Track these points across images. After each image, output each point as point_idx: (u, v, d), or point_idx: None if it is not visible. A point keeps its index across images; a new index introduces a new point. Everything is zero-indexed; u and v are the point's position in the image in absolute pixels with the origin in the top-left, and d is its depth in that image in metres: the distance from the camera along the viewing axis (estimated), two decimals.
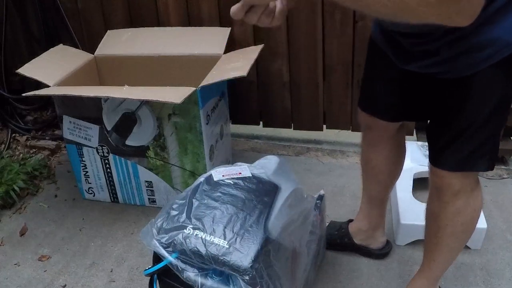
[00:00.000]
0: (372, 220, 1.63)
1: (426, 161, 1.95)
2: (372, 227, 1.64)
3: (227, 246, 1.03)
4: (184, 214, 1.11)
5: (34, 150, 2.45)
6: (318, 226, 1.47)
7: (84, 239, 1.87)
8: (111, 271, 1.71)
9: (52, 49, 2.04)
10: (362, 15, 2.02)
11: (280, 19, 0.91)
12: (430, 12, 0.73)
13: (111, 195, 2.05)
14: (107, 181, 2.01)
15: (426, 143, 2.08)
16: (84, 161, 1.98)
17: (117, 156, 1.92)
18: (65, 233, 1.91)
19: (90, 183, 2.04)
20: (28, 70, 1.83)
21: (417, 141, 2.17)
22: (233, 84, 2.13)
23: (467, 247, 1.68)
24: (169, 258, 1.05)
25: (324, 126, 2.34)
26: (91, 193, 2.07)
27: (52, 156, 2.41)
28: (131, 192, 2.00)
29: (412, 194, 1.83)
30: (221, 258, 1.01)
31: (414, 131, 2.24)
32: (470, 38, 0.95)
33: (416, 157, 1.99)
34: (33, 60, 1.90)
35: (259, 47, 1.87)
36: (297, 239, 1.27)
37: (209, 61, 1.87)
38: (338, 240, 1.69)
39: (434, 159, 1.21)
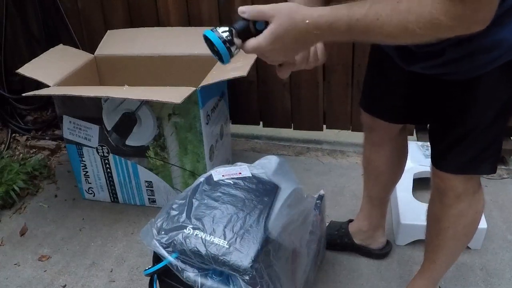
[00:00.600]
0: (372, 220, 1.63)
1: (426, 161, 1.96)
2: (372, 228, 1.64)
3: (227, 246, 1.03)
4: (184, 214, 1.11)
5: (34, 150, 2.45)
6: (318, 226, 1.47)
7: (84, 239, 1.87)
8: (111, 271, 1.71)
9: (52, 49, 2.04)
10: None
11: (324, 58, 0.99)
12: (451, 32, 0.74)
13: (111, 195, 2.05)
14: (107, 181, 2.01)
15: (426, 143, 2.10)
16: (84, 161, 1.98)
17: (117, 156, 1.92)
18: (65, 233, 1.91)
19: (90, 183, 2.04)
20: (28, 70, 1.83)
21: (417, 141, 2.16)
22: (233, 84, 2.13)
23: (467, 247, 1.67)
24: (169, 258, 1.05)
25: (324, 126, 2.34)
26: (91, 193, 2.07)
27: (52, 156, 2.41)
28: (131, 192, 2.00)
29: (412, 194, 1.83)
30: (221, 258, 1.01)
31: (414, 131, 2.24)
32: (477, 40, 0.93)
33: (416, 157, 1.99)
34: (33, 60, 1.90)
35: None
36: (297, 239, 1.27)
37: (209, 61, 1.87)
38: (338, 240, 1.69)
39: (437, 161, 1.20)
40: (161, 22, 2.27)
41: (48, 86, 1.80)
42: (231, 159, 2.23)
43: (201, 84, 1.67)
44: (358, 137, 2.12)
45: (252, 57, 1.75)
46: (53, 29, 2.38)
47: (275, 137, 2.48)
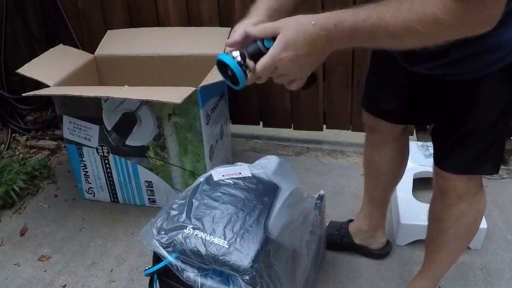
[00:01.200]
0: (373, 220, 1.63)
1: (426, 161, 1.96)
2: (372, 228, 1.64)
3: (227, 246, 1.03)
4: (184, 214, 1.10)
5: (34, 150, 2.45)
6: (318, 226, 1.47)
7: (84, 239, 1.87)
8: (111, 271, 1.71)
9: (52, 49, 2.04)
10: None
11: None
12: (455, 32, 0.75)
13: (111, 195, 2.05)
14: (107, 181, 2.01)
15: (426, 143, 2.10)
16: (84, 161, 1.98)
17: (117, 156, 1.92)
18: (65, 233, 1.91)
19: (90, 183, 2.04)
20: (28, 70, 1.83)
21: (417, 141, 2.16)
22: None
23: (467, 247, 1.67)
24: (169, 258, 1.05)
25: (324, 126, 2.34)
26: (91, 193, 2.07)
27: (52, 156, 2.41)
28: (131, 192, 2.00)
29: (412, 194, 1.83)
30: (221, 258, 1.01)
31: (414, 131, 2.24)
32: (482, 40, 0.91)
33: (416, 157, 1.99)
34: (33, 60, 1.90)
35: None
36: (297, 239, 1.27)
37: (209, 61, 1.87)
38: (338, 240, 1.69)
39: (440, 161, 1.19)
40: (161, 22, 2.27)
41: (48, 86, 1.80)
42: (231, 159, 2.23)
43: (201, 84, 1.67)
44: (358, 137, 2.12)
45: None
46: (53, 29, 2.38)
47: (275, 137, 2.48)
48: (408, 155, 1.51)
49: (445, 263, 1.39)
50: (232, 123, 2.34)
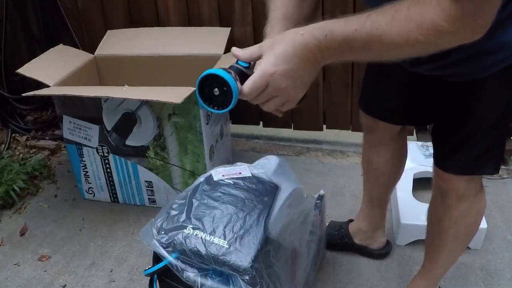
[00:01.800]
0: (372, 220, 1.63)
1: (426, 161, 1.96)
2: (372, 228, 1.64)
3: (227, 246, 1.03)
4: (184, 214, 1.10)
5: (34, 150, 2.45)
6: (318, 226, 1.47)
7: (84, 239, 1.87)
8: (111, 271, 1.71)
9: (52, 49, 2.04)
10: None
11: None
12: (453, 40, 0.73)
13: (111, 195, 2.05)
14: (107, 181, 2.01)
15: (426, 143, 2.10)
16: (84, 161, 1.98)
17: (117, 156, 1.92)
18: (65, 233, 1.91)
19: (90, 183, 2.04)
20: (28, 70, 1.83)
21: (417, 141, 2.16)
22: None
23: (467, 247, 1.67)
24: (169, 258, 1.05)
25: (324, 126, 2.34)
26: (91, 193, 2.07)
27: (52, 156, 2.41)
28: (131, 192, 2.00)
29: (412, 194, 1.83)
30: (221, 258, 1.01)
31: (414, 131, 2.24)
32: (483, 41, 0.91)
33: (416, 157, 1.99)
34: (33, 60, 1.90)
35: None
36: (297, 239, 1.27)
37: (209, 61, 1.87)
38: (338, 240, 1.69)
39: (440, 162, 1.19)
40: (161, 22, 2.27)
41: (48, 86, 1.80)
42: (231, 159, 2.23)
43: None
44: (358, 137, 2.11)
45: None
46: (53, 29, 2.38)
47: (275, 137, 2.48)
48: (406, 155, 1.50)
49: (445, 263, 1.39)
50: (232, 123, 2.34)
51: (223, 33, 2.03)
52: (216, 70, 0.78)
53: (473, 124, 1.09)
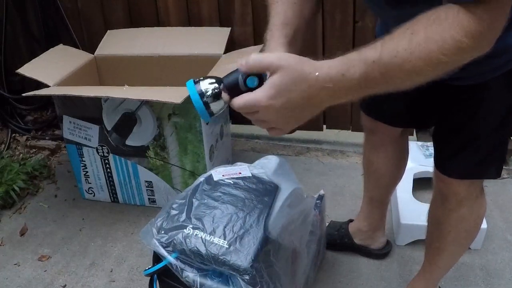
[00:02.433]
0: (372, 221, 1.63)
1: (426, 161, 1.96)
2: (372, 228, 1.64)
3: (227, 246, 1.03)
4: (184, 214, 1.11)
5: (34, 150, 2.45)
6: (318, 226, 1.47)
7: (84, 239, 1.87)
8: (111, 271, 1.71)
9: (52, 49, 2.04)
10: (362, 15, 2.02)
11: None
12: (473, 54, 0.70)
13: (111, 195, 2.05)
14: (107, 181, 2.00)
15: (426, 143, 2.10)
16: (84, 161, 1.98)
17: (117, 156, 1.92)
18: (65, 233, 1.91)
19: (90, 183, 2.04)
20: (28, 70, 1.83)
21: (417, 141, 2.16)
22: None
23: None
24: (169, 258, 1.05)
25: (324, 126, 2.34)
26: (91, 193, 2.07)
27: (52, 156, 2.41)
28: (131, 192, 2.00)
29: (412, 194, 1.83)
30: (221, 257, 1.01)
31: (414, 131, 2.24)
32: None
33: (416, 157, 1.99)
34: (33, 60, 1.90)
35: (259, 47, 1.88)
36: (297, 239, 1.27)
37: (209, 61, 1.87)
38: (338, 240, 1.69)
39: (442, 166, 1.18)
40: (161, 22, 2.27)
41: (48, 86, 1.80)
42: (231, 159, 2.23)
43: None
44: (358, 137, 2.11)
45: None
46: (53, 29, 2.38)
47: (275, 137, 2.48)
48: (407, 156, 1.50)
49: (445, 265, 1.39)
50: (232, 123, 2.34)
51: (223, 33, 2.03)
52: (188, 83, 0.77)
53: (476, 128, 1.09)
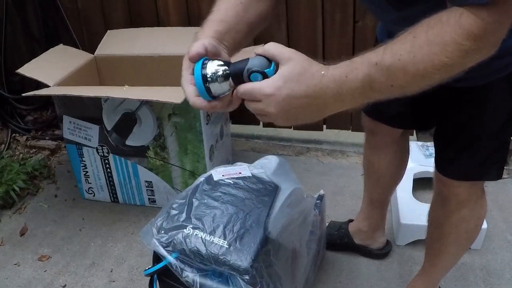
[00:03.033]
0: (372, 221, 1.63)
1: (426, 161, 1.96)
2: (372, 228, 1.64)
3: (227, 246, 1.03)
4: (184, 214, 1.10)
5: (34, 150, 2.45)
6: (318, 226, 1.47)
7: (84, 239, 1.87)
8: (111, 271, 1.71)
9: (52, 49, 2.04)
10: (362, 15, 2.02)
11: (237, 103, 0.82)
12: (476, 56, 0.70)
13: (111, 195, 2.05)
14: (107, 181, 2.00)
15: (426, 143, 2.10)
16: (84, 161, 1.98)
17: (117, 156, 1.92)
18: (65, 233, 1.91)
19: (90, 183, 2.04)
20: (28, 70, 1.83)
21: (417, 141, 2.16)
22: None
23: None
24: (169, 258, 1.05)
25: (324, 126, 2.34)
26: (91, 193, 2.07)
27: (52, 156, 2.41)
28: (131, 192, 2.00)
29: (412, 194, 1.83)
30: (221, 257, 1.01)
31: (414, 131, 2.24)
32: None
33: (416, 157, 1.99)
34: (33, 60, 1.90)
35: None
36: (297, 239, 1.27)
37: None
38: (338, 240, 1.69)
39: (443, 167, 1.18)
40: (161, 22, 2.27)
41: (48, 86, 1.80)
42: (231, 159, 2.23)
43: None
44: (358, 137, 2.12)
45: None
46: (53, 29, 2.38)
47: (275, 137, 2.48)
48: (408, 157, 1.50)
49: (445, 266, 1.39)
50: (232, 123, 2.34)
51: None
52: (198, 63, 0.79)
53: (477, 130, 1.08)
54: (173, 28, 2.22)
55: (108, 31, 2.21)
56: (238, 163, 1.27)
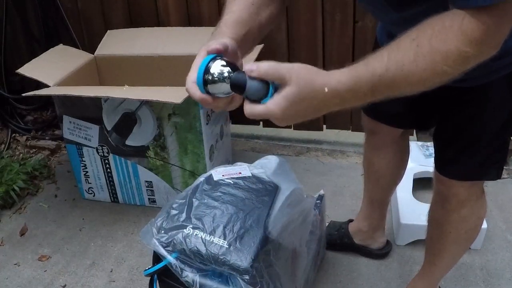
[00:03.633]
0: (372, 221, 1.63)
1: (426, 161, 1.96)
2: (372, 228, 1.64)
3: (227, 246, 1.03)
4: (184, 214, 1.11)
5: (34, 150, 2.45)
6: (318, 226, 1.47)
7: (84, 239, 1.87)
8: (111, 271, 1.71)
9: (52, 49, 2.04)
10: (362, 15, 2.02)
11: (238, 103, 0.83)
12: (477, 61, 0.71)
13: (111, 195, 2.05)
14: (107, 181, 2.00)
15: (426, 143, 2.10)
16: (84, 161, 1.98)
17: (117, 156, 1.92)
18: (65, 233, 1.91)
19: (90, 183, 2.04)
20: (28, 70, 1.83)
21: (417, 141, 2.16)
22: None
23: None
24: (169, 257, 1.05)
25: (324, 126, 2.34)
26: (91, 193, 2.07)
27: (52, 156, 2.41)
28: (131, 192, 2.00)
29: (412, 194, 1.83)
30: (221, 257, 1.01)
31: (414, 131, 2.24)
32: None
33: (416, 157, 1.99)
34: (33, 60, 1.90)
35: (259, 47, 1.87)
36: (297, 239, 1.27)
37: None
38: (338, 240, 1.69)
39: (443, 167, 1.18)
40: (161, 22, 2.27)
41: (48, 86, 1.80)
42: (231, 159, 2.23)
43: None
44: (358, 137, 2.12)
45: (252, 58, 1.75)
46: (53, 29, 2.38)
47: (275, 137, 2.48)
48: (408, 157, 1.50)
49: (445, 266, 1.39)
50: (232, 123, 2.34)
51: None
52: (207, 57, 0.77)
53: (477, 130, 1.08)
54: (173, 28, 2.22)
55: (108, 31, 2.21)
56: (238, 163, 1.28)
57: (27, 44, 2.49)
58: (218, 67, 0.76)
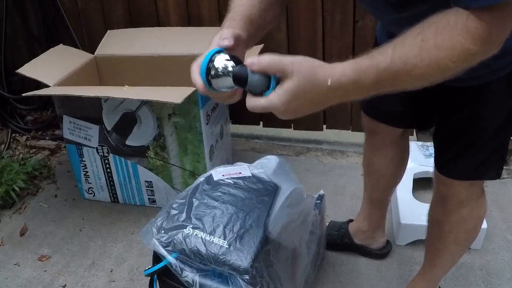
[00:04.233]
0: (372, 221, 1.63)
1: (426, 161, 1.96)
2: (372, 228, 1.64)
3: (227, 246, 1.03)
4: (184, 214, 1.10)
5: (34, 150, 2.45)
6: (318, 226, 1.47)
7: (84, 239, 1.87)
8: (111, 271, 1.71)
9: (52, 49, 2.04)
10: (362, 15, 2.02)
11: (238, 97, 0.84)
12: (480, 58, 0.72)
13: (111, 195, 2.05)
14: (107, 181, 2.00)
15: (426, 143, 2.10)
16: (84, 161, 1.98)
17: (117, 156, 1.92)
18: (65, 233, 1.91)
19: (90, 183, 2.04)
20: (28, 70, 1.83)
21: (417, 141, 2.16)
22: None
23: None
24: (169, 257, 1.05)
25: (324, 126, 2.34)
26: (91, 193, 2.07)
27: (52, 156, 2.41)
28: (131, 192, 2.00)
29: (412, 194, 1.83)
30: (221, 257, 1.01)
31: (414, 131, 2.24)
32: None
33: (416, 157, 1.99)
34: (33, 60, 1.90)
35: (259, 47, 1.87)
36: (297, 239, 1.27)
37: None
38: (338, 240, 1.69)
39: (442, 167, 1.18)
40: (161, 22, 2.27)
41: (48, 86, 1.80)
42: (231, 159, 2.23)
43: None
44: (358, 137, 2.12)
45: (254, 55, 1.75)
46: (53, 29, 2.38)
47: (275, 137, 2.48)
48: (408, 157, 1.50)
49: (445, 266, 1.39)
50: (232, 123, 2.34)
51: None
52: (211, 51, 0.78)
53: (477, 129, 1.08)
54: (173, 28, 2.22)
55: (108, 31, 2.21)
56: (238, 163, 1.28)
57: (27, 44, 2.49)
58: (221, 61, 0.76)
